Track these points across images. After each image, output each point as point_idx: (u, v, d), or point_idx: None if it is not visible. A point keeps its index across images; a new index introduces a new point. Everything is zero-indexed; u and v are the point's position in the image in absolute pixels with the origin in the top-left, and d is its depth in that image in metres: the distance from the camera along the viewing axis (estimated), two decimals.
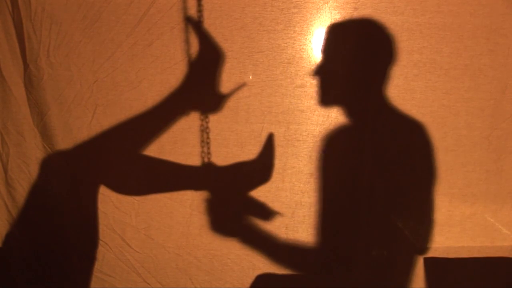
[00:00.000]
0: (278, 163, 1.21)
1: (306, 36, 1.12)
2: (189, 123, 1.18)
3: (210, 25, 1.11)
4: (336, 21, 1.10)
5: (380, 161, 1.18)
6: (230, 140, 1.20)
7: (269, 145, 1.20)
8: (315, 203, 1.23)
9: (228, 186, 1.24)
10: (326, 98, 1.15)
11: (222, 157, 1.21)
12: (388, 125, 1.17)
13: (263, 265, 1.28)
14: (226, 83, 1.15)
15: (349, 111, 1.16)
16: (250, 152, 1.20)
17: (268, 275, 1.28)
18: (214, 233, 1.26)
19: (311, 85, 1.15)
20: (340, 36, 1.12)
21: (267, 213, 1.24)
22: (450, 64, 1.12)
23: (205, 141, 1.19)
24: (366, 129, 1.17)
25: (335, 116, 1.17)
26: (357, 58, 1.12)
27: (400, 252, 1.25)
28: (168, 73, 1.15)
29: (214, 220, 1.25)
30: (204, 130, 1.19)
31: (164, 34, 1.12)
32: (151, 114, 1.17)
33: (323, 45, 1.12)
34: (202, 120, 1.18)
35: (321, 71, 1.13)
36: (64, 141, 1.20)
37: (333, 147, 1.19)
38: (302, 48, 1.12)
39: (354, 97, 1.16)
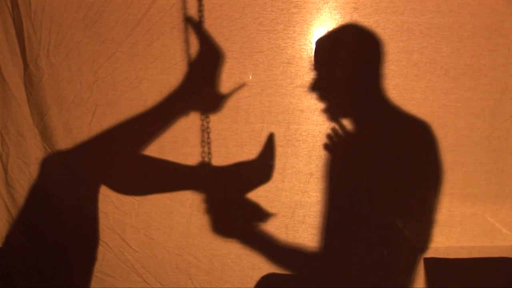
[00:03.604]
0: (278, 163, 1.21)
1: (306, 36, 1.12)
2: (189, 123, 1.18)
3: (210, 25, 1.11)
4: (323, 34, 1.11)
5: (382, 162, 1.18)
6: (230, 140, 1.20)
7: (269, 145, 1.19)
8: (319, 204, 1.23)
9: (228, 186, 1.24)
10: (330, 109, 1.16)
11: (222, 157, 1.21)
12: (389, 125, 1.17)
13: (263, 265, 1.28)
14: (226, 83, 1.15)
15: (351, 115, 1.17)
16: (250, 152, 1.20)
17: (269, 276, 1.28)
18: (215, 234, 1.26)
19: None
20: (328, 47, 1.12)
21: (263, 214, 1.24)
22: (450, 64, 1.12)
23: (205, 141, 1.19)
24: (367, 130, 1.17)
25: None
26: (350, 64, 1.13)
27: (400, 252, 1.25)
28: (168, 73, 1.15)
29: (214, 220, 1.25)
30: (205, 130, 1.18)
31: (164, 34, 1.12)
32: (151, 114, 1.17)
33: (313, 61, 1.13)
34: (202, 120, 1.18)
35: (318, 86, 1.14)
36: (64, 141, 1.20)
37: (336, 149, 1.19)
38: (302, 48, 1.12)
39: (355, 102, 1.17)
